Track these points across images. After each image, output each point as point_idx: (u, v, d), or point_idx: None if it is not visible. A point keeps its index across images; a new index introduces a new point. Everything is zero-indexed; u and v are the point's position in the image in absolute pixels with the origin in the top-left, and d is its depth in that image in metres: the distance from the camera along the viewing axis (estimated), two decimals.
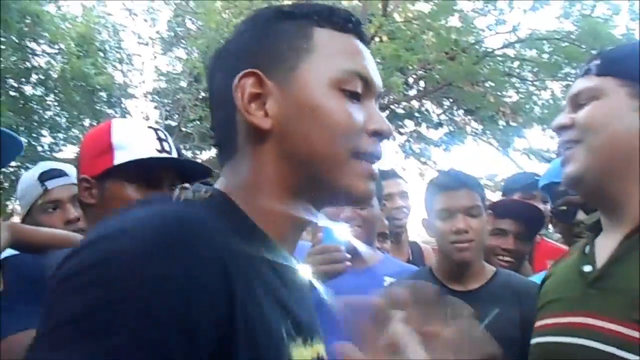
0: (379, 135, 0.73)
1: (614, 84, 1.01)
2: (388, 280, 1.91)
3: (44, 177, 1.77)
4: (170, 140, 1.23)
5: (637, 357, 0.87)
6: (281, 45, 0.71)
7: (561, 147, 1.08)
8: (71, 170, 1.86)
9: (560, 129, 1.07)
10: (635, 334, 0.88)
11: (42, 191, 1.75)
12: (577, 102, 1.07)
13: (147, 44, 13.70)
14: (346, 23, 0.73)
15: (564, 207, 1.87)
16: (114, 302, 0.51)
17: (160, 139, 1.18)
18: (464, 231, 1.71)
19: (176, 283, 0.53)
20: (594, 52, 7.16)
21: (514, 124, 12.94)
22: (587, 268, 1.02)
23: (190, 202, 0.65)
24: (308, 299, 0.80)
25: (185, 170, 1.19)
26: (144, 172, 1.13)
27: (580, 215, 1.82)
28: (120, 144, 1.14)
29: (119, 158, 1.13)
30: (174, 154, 1.22)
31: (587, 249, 1.07)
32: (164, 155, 1.17)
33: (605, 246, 1.02)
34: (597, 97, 1.03)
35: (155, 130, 1.21)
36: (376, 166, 0.75)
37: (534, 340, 1.13)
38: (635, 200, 0.98)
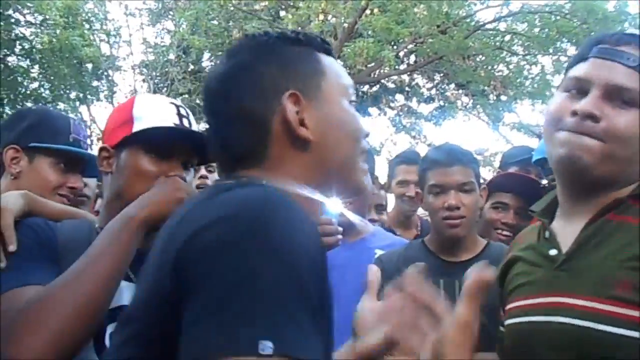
0: (368, 136, 0.92)
1: None
2: (378, 252, 1.92)
3: None
4: (192, 118, 1.24)
5: (616, 329, 0.91)
6: (305, 68, 0.86)
7: (571, 127, 0.99)
8: None
9: (587, 116, 0.97)
10: (613, 308, 0.92)
11: None
12: (613, 96, 0.98)
13: (134, 15, 13.48)
14: (329, 48, 0.91)
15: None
16: (269, 265, 0.62)
17: (180, 115, 1.20)
18: (455, 207, 1.72)
19: (312, 245, 0.68)
20: (585, 26, 7.12)
21: (504, 99, 12.95)
22: (553, 252, 1.05)
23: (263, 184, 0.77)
24: None
25: (201, 147, 1.18)
26: (158, 141, 1.15)
27: None
28: (140, 115, 1.17)
29: (137, 127, 1.16)
30: (196, 130, 1.24)
31: (547, 234, 1.09)
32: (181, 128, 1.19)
33: (565, 230, 1.06)
34: (636, 103, 0.97)
35: (178, 106, 1.23)
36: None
37: (506, 323, 1.13)
38: (613, 194, 1.01)
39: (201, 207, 0.72)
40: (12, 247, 1.04)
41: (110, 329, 1.04)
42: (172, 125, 1.18)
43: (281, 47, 0.87)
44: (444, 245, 1.80)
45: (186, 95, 12.26)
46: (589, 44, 1.05)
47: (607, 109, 0.97)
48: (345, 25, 10.51)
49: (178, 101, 1.28)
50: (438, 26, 10.10)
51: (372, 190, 2.06)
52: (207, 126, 0.89)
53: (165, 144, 1.15)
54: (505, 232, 2.10)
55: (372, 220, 2.41)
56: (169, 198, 1.07)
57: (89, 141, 1.64)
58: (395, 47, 10.96)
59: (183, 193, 1.08)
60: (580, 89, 1.01)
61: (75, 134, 1.60)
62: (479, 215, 2.04)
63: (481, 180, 1.90)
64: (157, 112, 1.18)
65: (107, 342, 1.04)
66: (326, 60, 0.89)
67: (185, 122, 1.20)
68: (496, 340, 1.23)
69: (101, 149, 1.21)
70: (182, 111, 1.21)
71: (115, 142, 1.18)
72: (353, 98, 0.90)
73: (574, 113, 0.99)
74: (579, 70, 1.03)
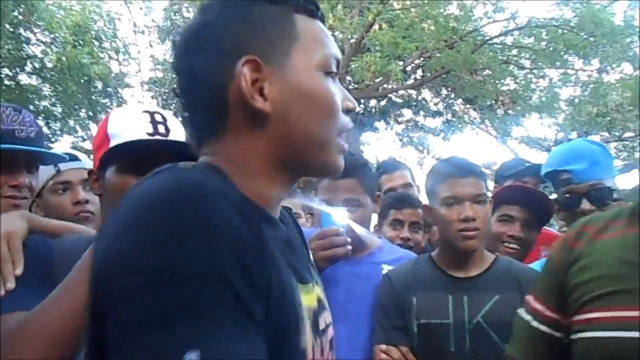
0: (351, 111, 0.82)
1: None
2: (386, 268, 1.89)
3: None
4: (170, 122, 1.20)
5: None
6: (272, 31, 0.75)
7: None
8: (84, 158, 1.93)
9: None
10: None
11: (55, 172, 1.80)
12: None
13: (143, 33, 13.63)
14: (316, 10, 0.80)
15: (568, 195, 1.84)
16: (184, 264, 0.57)
17: (154, 122, 1.16)
18: (471, 219, 1.68)
19: (229, 243, 0.60)
20: (592, 39, 7.11)
21: (512, 113, 12.92)
22: None
23: (189, 169, 0.70)
24: (301, 251, 0.88)
25: (181, 153, 1.16)
26: (132, 156, 1.12)
27: (585, 204, 1.79)
28: (115, 132, 1.15)
29: (111, 144, 1.14)
30: (174, 136, 1.19)
31: None
32: (156, 137, 1.15)
33: None
34: None
35: (152, 113, 1.19)
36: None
37: (583, 335, 1.02)
38: None
39: (116, 212, 0.66)
40: (18, 271, 1.04)
41: None
42: (145, 136, 1.14)
43: (252, 5, 0.77)
44: (453, 260, 1.77)
45: None
46: None
47: None
48: (353, 40, 10.56)
49: (153, 107, 1.24)
50: (445, 41, 10.11)
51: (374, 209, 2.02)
52: (175, 89, 0.81)
53: (138, 158, 1.11)
54: (512, 245, 2.07)
55: (404, 239, 2.38)
56: None
57: (34, 129, 1.46)
58: (402, 61, 10.99)
59: None
60: None
61: (7, 125, 1.40)
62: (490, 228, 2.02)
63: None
64: (129, 125, 1.15)
65: None
66: (305, 23, 0.78)
67: (161, 128, 1.16)
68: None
69: (89, 172, 1.21)
70: (158, 117, 1.18)
71: (97, 163, 1.17)
72: (333, 69, 0.79)
73: None
74: None
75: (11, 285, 1.02)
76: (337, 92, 0.79)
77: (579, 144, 2.00)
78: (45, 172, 1.81)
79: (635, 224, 1.02)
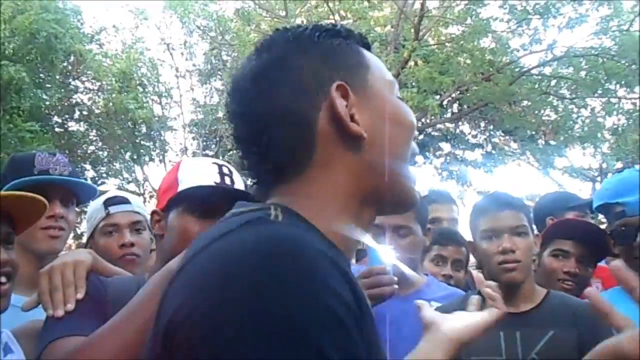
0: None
1: None
2: (434, 304, 1.86)
3: (108, 202, 1.90)
4: (236, 175, 1.27)
5: None
6: (348, 61, 0.76)
7: None
8: (135, 200, 1.98)
9: None
10: None
11: (105, 215, 1.87)
12: None
13: (184, 77, 14.07)
14: (369, 43, 0.82)
15: (623, 229, 1.79)
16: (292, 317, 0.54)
17: (222, 174, 1.23)
18: (510, 250, 1.66)
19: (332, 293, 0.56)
20: (635, 67, 6.95)
21: (553, 143, 12.70)
22: None
23: (276, 222, 0.66)
24: None
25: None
26: (199, 200, 1.17)
27: None
28: (184, 177, 1.22)
29: (180, 188, 1.21)
30: (239, 187, 1.25)
31: None
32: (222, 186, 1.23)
33: None
34: None
35: (220, 165, 1.26)
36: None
37: None
38: None
39: (195, 262, 0.62)
40: (79, 295, 1.10)
41: None
42: (213, 183, 1.20)
43: (320, 38, 0.77)
44: (502, 296, 1.74)
45: (234, 151, 12.56)
46: None
47: None
48: None
49: (221, 161, 1.32)
50: (482, 73, 10.10)
51: (424, 241, 2.01)
52: (237, 136, 0.78)
53: (206, 202, 1.17)
54: (568, 282, 2.00)
55: (446, 276, 2.34)
56: None
57: (67, 169, 1.60)
58: (439, 95, 11.00)
59: None
60: None
61: (42, 166, 1.55)
62: (534, 264, 1.97)
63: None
64: (199, 172, 1.22)
65: None
66: (368, 54, 0.80)
67: (227, 180, 1.23)
68: None
69: (152, 213, 1.26)
70: (225, 170, 1.25)
71: (163, 204, 1.22)
72: (398, 94, 0.81)
73: None
74: None
75: (71, 306, 1.08)
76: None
77: (631, 174, 1.95)
78: (97, 214, 1.89)
79: None
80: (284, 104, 0.73)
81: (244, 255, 0.58)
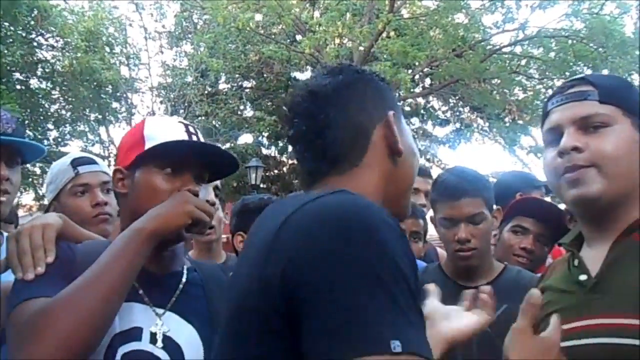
0: None
1: (620, 114, 1.10)
2: None
3: (76, 162, 1.86)
4: (200, 136, 1.26)
5: None
6: (391, 98, 1.02)
7: (567, 168, 1.09)
8: (101, 162, 1.95)
9: (572, 150, 1.09)
10: None
11: (74, 175, 1.83)
12: (586, 126, 1.10)
13: (154, 39, 13.74)
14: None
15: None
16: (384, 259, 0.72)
17: (189, 132, 1.22)
18: (466, 240, 1.71)
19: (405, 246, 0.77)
20: (602, 50, 7.09)
21: (520, 122, 12.91)
22: (583, 277, 1.09)
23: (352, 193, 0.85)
24: None
25: (212, 160, 1.22)
26: (170, 156, 1.16)
27: None
28: (151, 135, 1.20)
29: (149, 145, 1.18)
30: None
31: (576, 262, 1.14)
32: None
33: (592, 256, 1.11)
34: (608, 124, 1.09)
35: (186, 124, 1.25)
36: None
37: None
38: (628, 216, 1.09)
39: (298, 217, 0.78)
40: (49, 259, 1.08)
41: (122, 350, 1.05)
42: (181, 139, 1.19)
43: (374, 76, 1.03)
44: (460, 270, 1.79)
45: (203, 117, 12.42)
46: (546, 103, 1.21)
47: (584, 139, 1.09)
48: (362, 48, 10.61)
49: (185, 120, 1.30)
50: (454, 50, 10.15)
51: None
52: (299, 130, 0.97)
53: (177, 158, 1.17)
54: (523, 257, 2.06)
55: None
56: (178, 211, 1.08)
57: (10, 126, 1.48)
58: (411, 70, 11.03)
59: (191, 206, 1.09)
60: (557, 136, 1.13)
61: None
62: (494, 238, 2.01)
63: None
64: (167, 129, 1.20)
65: None
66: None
67: (194, 138, 1.22)
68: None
69: (115, 171, 1.22)
70: (191, 129, 1.24)
71: (128, 162, 1.19)
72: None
73: (561, 155, 1.09)
74: (548, 123, 1.17)
75: (41, 269, 1.06)
76: None
77: None
78: (63, 175, 1.85)
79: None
80: (351, 114, 0.96)
81: (346, 209, 0.77)
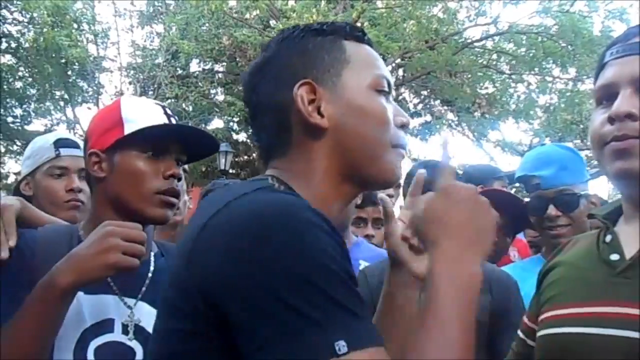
0: (405, 127, 0.90)
1: None
2: (363, 264, 1.92)
3: (60, 143, 1.81)
4: (175, 118, 1.26)
5: None
6: (324, 57, 0.87)
7: (615, 137, 0.91)
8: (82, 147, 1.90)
9: (625, 117, 0.90)
10: None
11: (54, 155, 1.79)
12: None
13: (123, 17, 13.44)
14: (362, 35, 0.92)
15: (537, 200, 1.87)
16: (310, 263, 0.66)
17: (167, 114, 1.22)
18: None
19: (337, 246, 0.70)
20: (571, 47, 7.19)
21: (489, 116, 13.10)
22: (615, 256, 0.95)
23: (277, 190, 0.80)
24: None
25: (193, 142, 1.22)
26: (154, 140, 1.16)
27: (551, 210, 1.82)
28: (130, 117, 1.17)
29: (129, 129, 1.16)
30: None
31: (608, 238, 0.98)
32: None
33: (628, 236, 0.95)
34: None
35: (163, 106, 1.24)
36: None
37: (545, 332, 1.02)
38: None
39: (215, 224, 0.73)
40: (12, 243, 1.06)
41: (94, 344, 1.04)
42: (163, 123, 1.18)
43: (304, 38, 0.89)
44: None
45: (173, 100, 12.22)
46: (604, 52, 1.02)
47: None
48: None
49: (161, 103, 1.30)
50: (427, 42, 10.21)
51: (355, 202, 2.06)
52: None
53: (160, 142, 1.16)
54: None
55: (368, 236, 2.40)
56: (98, 263, 0.99)
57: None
58: (383, 60, 11.05)
59: (116, 256, 0.99)
60: (610, 96, 0.94)
61: None
62: None
63: None
64: (146, 112, 1.19)
65: (90, 357, 1.03)
66: (354, 48, 0.89)
67: (173, 120, 1.22)
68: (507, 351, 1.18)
69: (91, 154, 1.19)
70: (168, 111, 1.23)
71: (106, 145, 1.17)
72: (384, 88, 0.88)
73: (611, 120, 0.91)
74: (602, 78, 0.98)
75: (5, 254, 1.03)
76: (389, 107, 0.88)
77: (549, 149, 2.01)
78: (44, 153, 1.80)
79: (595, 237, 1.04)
80: (268, 95, 0.87)
81: (266, 215, 0.70)
